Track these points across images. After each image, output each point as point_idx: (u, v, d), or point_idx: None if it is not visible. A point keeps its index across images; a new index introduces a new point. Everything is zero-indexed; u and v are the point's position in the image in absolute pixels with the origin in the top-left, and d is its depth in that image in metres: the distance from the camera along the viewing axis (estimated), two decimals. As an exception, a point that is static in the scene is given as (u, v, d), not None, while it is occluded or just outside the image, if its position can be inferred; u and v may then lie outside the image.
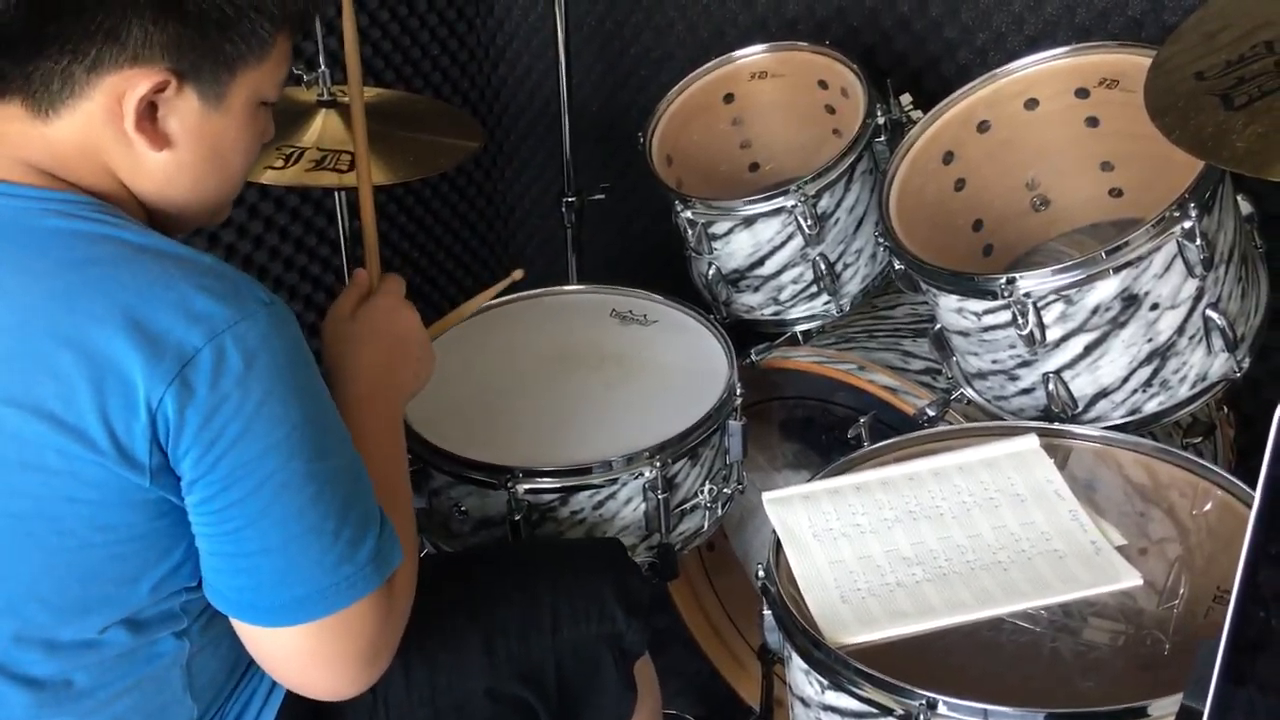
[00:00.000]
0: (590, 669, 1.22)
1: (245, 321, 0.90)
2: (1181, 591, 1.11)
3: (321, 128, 1.68)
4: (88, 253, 0.91)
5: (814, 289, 1.67)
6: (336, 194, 1.83)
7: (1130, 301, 1.27)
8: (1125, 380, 1.33)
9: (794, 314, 1.71)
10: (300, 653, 0.97)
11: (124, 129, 0.94)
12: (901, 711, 1.01)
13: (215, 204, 1.05)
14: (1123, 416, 1.36)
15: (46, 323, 0.89)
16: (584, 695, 1.22)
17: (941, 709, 0.99)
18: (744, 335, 1.71)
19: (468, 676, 1.17)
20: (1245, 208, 1.36)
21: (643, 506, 1.42)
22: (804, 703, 1.12)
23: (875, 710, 1.03)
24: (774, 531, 1.22)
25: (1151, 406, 1.35)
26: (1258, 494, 0.65)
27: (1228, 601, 0.68)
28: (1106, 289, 1.27)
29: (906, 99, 1.66)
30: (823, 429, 1.71)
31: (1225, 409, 1.69)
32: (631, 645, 1.25)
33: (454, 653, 1.17)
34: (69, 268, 0.90)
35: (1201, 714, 0.71)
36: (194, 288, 0.90)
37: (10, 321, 0.90)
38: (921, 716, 0.99)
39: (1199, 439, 1.59)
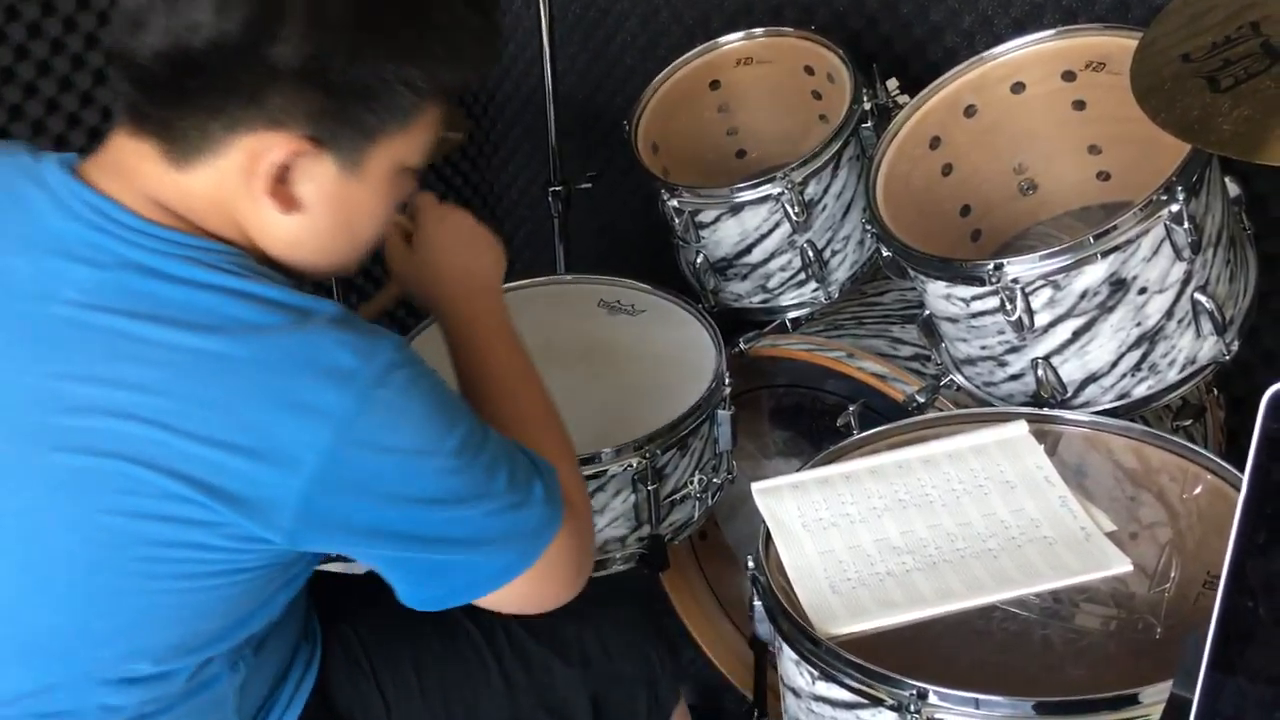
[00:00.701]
0: (627, 708, 1.22)
1: (388, 372, 0.89)
2: (1173, 575, 1.11)
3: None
4: (236, 311, 0.88)
5: (802, 276, 1.67)
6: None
7: (1118, 286, 1.27)
8: (1114, 365, 1.32)
9: (782, 301, 1.71)
10: (518, 595, 1.01)
11: (256, 189, 0.92)
12: (892, 702, 1.00)
13: (341, 266, 1.02)
14: (1112, 401, 1.35)
15: (196, 384, 0.86)
16: None
17: (932, 699, 0.98)
18: (733, 323, 1.70)
19: (487, 707, 1.17)
20: (1233, 189, 1.35)
21: (632, 498, 1.42)
22: (795, 693, 1.12)
23: (866, 701, 1.02)
24: (763, 522, 1.21)
25: (1141, 391, 1.35)
26: (1244, 486, 0.64)
27: (1217, 587, 0.68)
28: (1094, 273, 1.26)
29: (893, 84, 1.65)
30: (813, 416, 1.71)
31: (1215, 391, 1.69)
32: (665, 694, 1.25)
33: (471, 682, 1.17)
34: (219, 328, 0.87)
35: (1190, 703, 0.71)
36: (333, 343, 0.88)
37: (151, 379, 0.87)
38: (912, 706, 0.98)
39: (1189, 421, 1.59)
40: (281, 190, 0.92)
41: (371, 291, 2.45)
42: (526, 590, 1.00)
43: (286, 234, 0.95)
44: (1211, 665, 0.68)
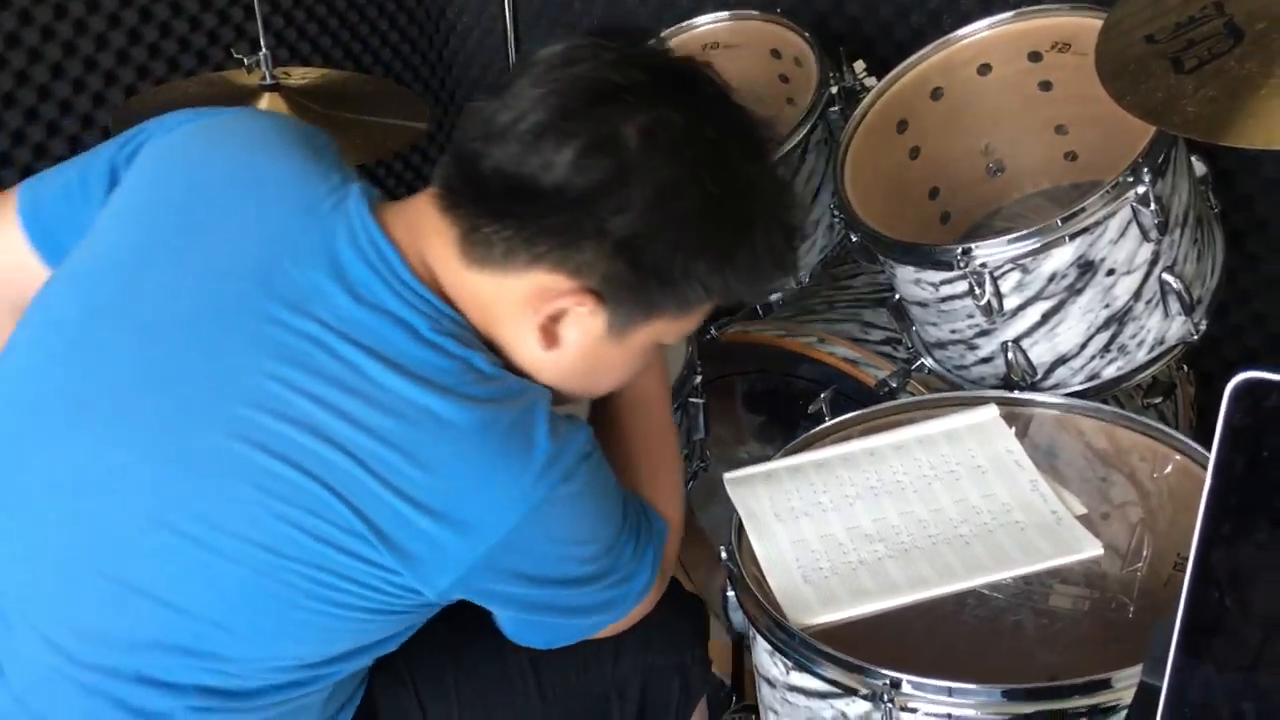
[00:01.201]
0: (660, 697, 1.23)
1: (577, 463, 0.93)
2: (1145, 554, 1.12)
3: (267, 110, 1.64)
4: (461, 383, 0.91)
5: (772, 261, 1.66)
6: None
7: (1086, 268, 1.27)
8: (1083, 346, 1.33)
9: (753, 287, 1.70)
10: (609, 631, 1.08)
11: (529, 317, 0.95)
12: (866, 691, 1.00)
13: (562, 398, 1.03)
14: (1082, 382, 1.36)
15: (413, 446, 0.89)
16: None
17: (905, 687, 0.98)
18: (703, 310, 1.69)
19: (519, 709, 1.18)
20: (1199, 169, 1.35)
21: (605, 489, 1.41)
22: (770, 683, 1.12)
23: (840, 691, 1.02)
24: (735, 512, 1.21)
25: (1110, 371, 1.35)
26: (1208, 476, 0.64)
27: (1185, 570, 0.68)
28: (1062, 256, 1.26)
29: (860, 66, 1.65)
30: (786, 402, 1.70)
31: (1185, 368, 1.70)
32: (695, 681, 1.26)
33: (509, 691, 1.18)
34: (446, 394, 0.90)
35: (1160, 691, 0.71)
36: (544, 432, 0.91)
37: (375, 422, 0.89)
38: (885, 695, 0.98)
39: (1159, 399, 1.60)
40: (550, 327, 0.95)
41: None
42: (614, 628, 1.08)
43: (533, 361, 0.97)
44: (1180, 655, 0.69)
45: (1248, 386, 0.63)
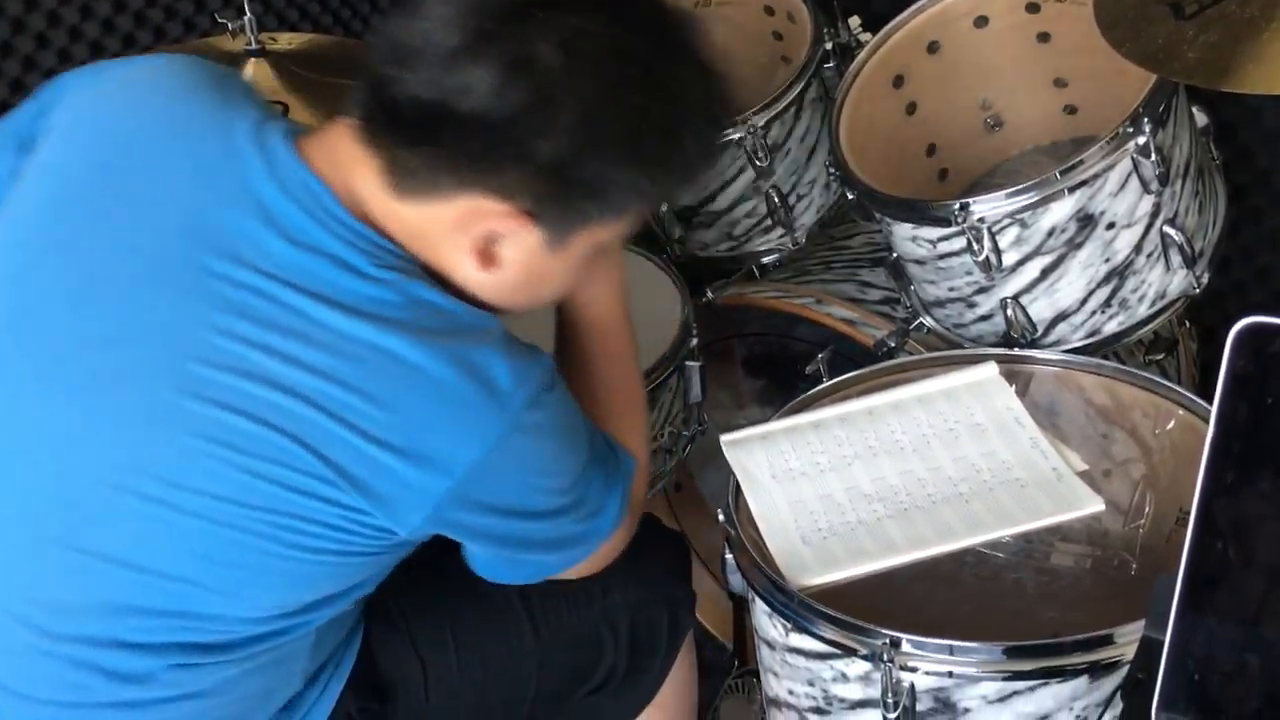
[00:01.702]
0: (649, 632, 1.24)
1: (542, 395, 0.93)
2: (1147, 511, 1.11)
3: (252, 78, 1.62)
4: (407, 315, 0.90)
5: (768, 222, 1.65)
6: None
7: (1086, 221, 1.25)
8: (1084, 302, 1.31)
9: (749, 248, 1.69)
10: (576, 571, 1.09)
11: (462, 241, 0.94)
12: (866, 651, 1.00)
13: (509, 314, 1.02)
14: (1083, 339, 1.35)
15: (365, 381, 0.89)
16: (644, 660, 1.25)
17: (905, 646, 0.98)
18: (700, 272, 1.68)
19: (519, 658, 1.19)
20: (1201, 119, 1.34)
21: (601, 454, 1.40)
22: (770, 645, 1.11)
23: (839, 651, 1.02)
24: (732, 474, 1.20)
25: (1111, 327, 1.34)
26: (1210, 426, 0.63)
27: (1187, 525, 0.67)
28: (1061, 210, 1.24)
29: (855, 21, 1.63)
30: (784, 364, 1.69)
31: (1187, 323, 1.69)
32: (684, 616, 1.28)
33: (504, 635, 1.19)
34: (390, 328, 0.89)
35: (1162, 645, 0.70)
36: (498, 362, 0.91)
37: (323, 363, 0.89)
38: (885, 655, 0.98)
39: (1161, 355, 1.59)
40: (484, 250, 0.94)
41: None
42: (580, 568, 1.08)
43: (473, 284, 0.97)
44: (1182, 607, 0.68)
45: (1250, 332, 0.61)
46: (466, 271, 0.95)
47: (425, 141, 0.90)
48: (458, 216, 0.92)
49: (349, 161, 0.93)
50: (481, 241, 0.94)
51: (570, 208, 0.94)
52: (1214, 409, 0.63)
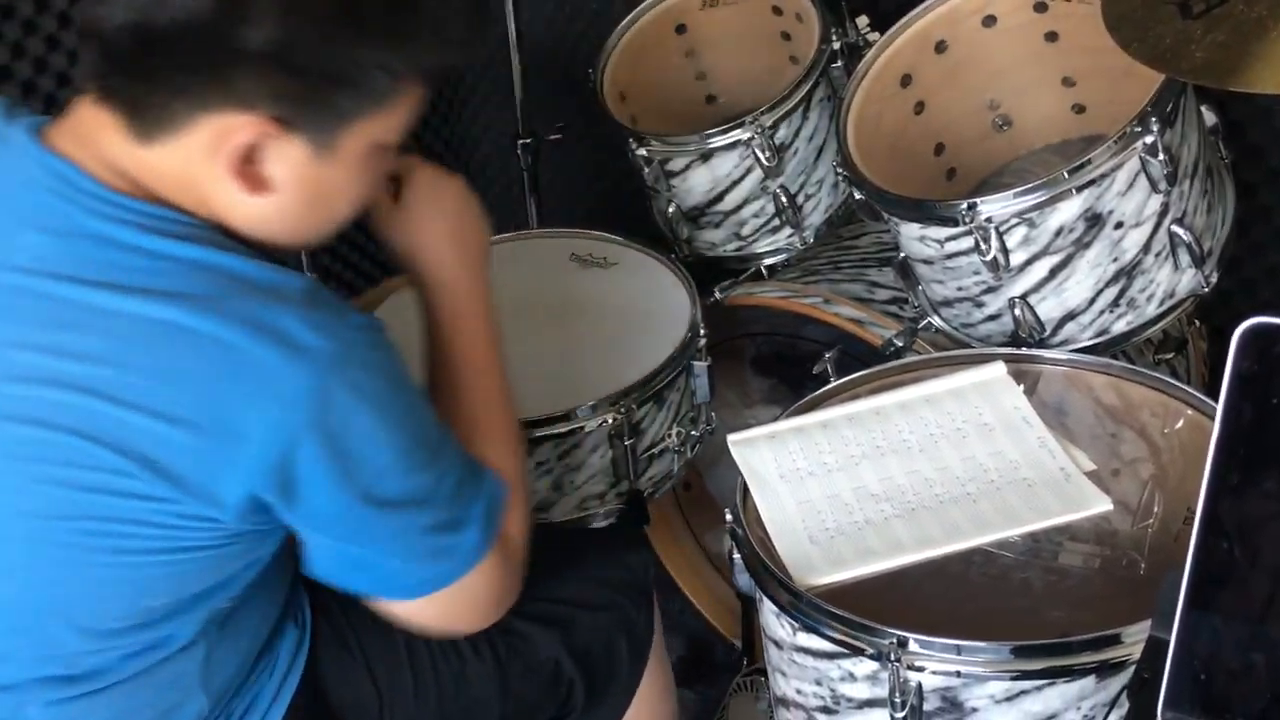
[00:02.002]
0: (607, 655, 1.21)
1: (349, 352, 0.87)
2: (1156, 510, 1.10)
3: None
4: (198, 282, 0.86)
5: (776, 222, 1.65)
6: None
7: (1094, 221, 1.25)
8: (1092, 301, 1.31)
9: (758, 248, 1.69)
10: (432, 614, 1.02)
11: (221, 170, 0.89)
12: (873, 651, 1.00)
13: (310, 242, 1.00)
14: (1091, 338, 1.34)
15: (145, 353, 0.85)
16: (604, 679, 1.22)
17: (913, 646, 0.98)
18: (709, 272, 1.68)
19: (475, 681, 1.15)
20: (1209, 118, 1.33)
21: (609, 454, 1.40)
22: (777, 645, 1.11)
23: (847, 651, 1.02)
24: (740, 474, 1.20)
25: (1120, 326, 1.33)
26: (1215, 425, 0.63)
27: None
28: (1069, 209, 1.24)
29: (863, 21, 1.63)
30: (793, 364, 1.69)
31: (1197, 323, 1.68)
32: (642, 635, 1.25)
33: (460, 659, 1.15)
34: (179, 298, 0.85)
35: (1168, 644, 0.70)
36: (297, 322, 0.86)
37: (96, 348, 0.85)
38: (893, 655, 0.98)
39: (1171, 355, 1.58)
40: (249, 171, 0.90)
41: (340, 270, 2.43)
42: (440, 610, 1.01)
43: (255, 214, 0.92)
44: (1188, 606, 0.68)
45: (1255, 333, 0.61)
46: (243, 203, 0.91)
47: (143, 70, 0.87)
48: (206, 142, 0.88)
49: (95, 130, 0.90)
50: (237, 161, 0.88)
51: (318, 103, 0.88)
52: (1219, 409, 0.63)
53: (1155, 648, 0.72)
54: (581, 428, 1.37)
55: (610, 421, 1.37)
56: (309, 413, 0.86)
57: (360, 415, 0.88)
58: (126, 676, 0.96)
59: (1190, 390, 1.20)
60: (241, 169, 0.89)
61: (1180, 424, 1.20)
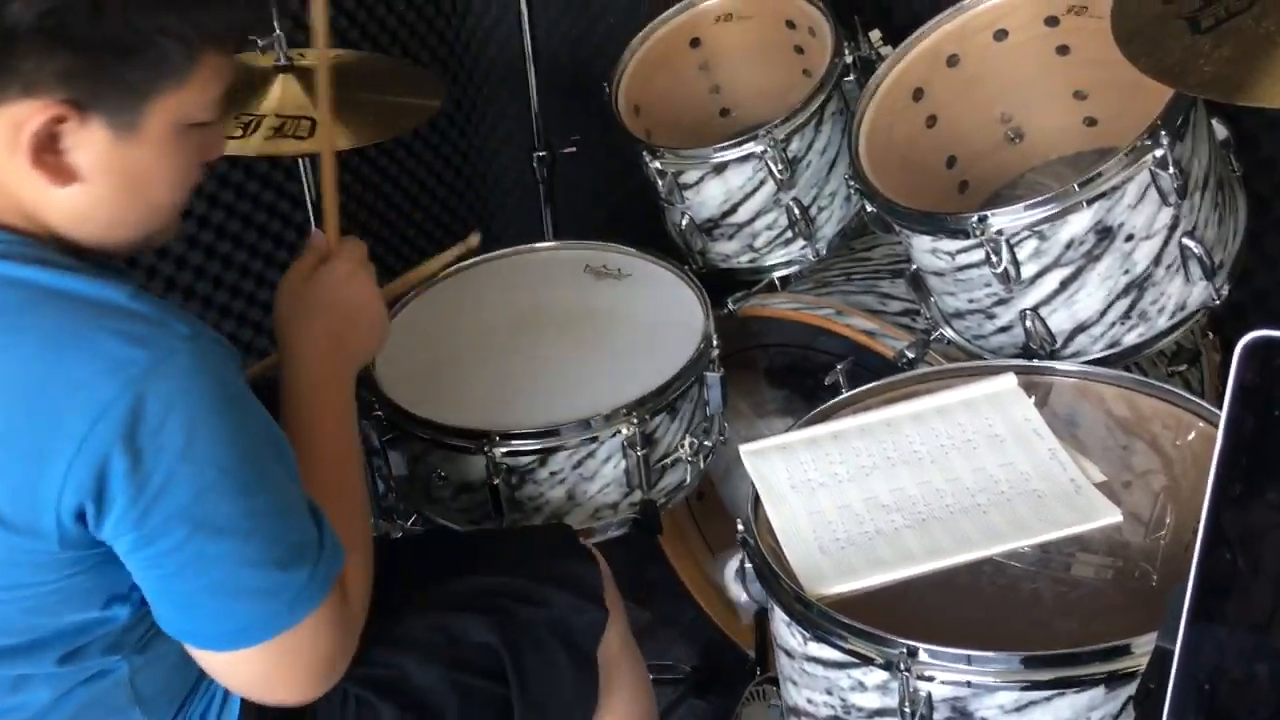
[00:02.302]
0: (535, 647, 1.19)
1: (164, 363, 0.85)
2: (1168, 522, 1.11)
3: (280, 94, 1.65)
4: None
5: (789, 234, 1.66)
6: (301, 161, 1.80)
7: (1104, 234, 1.26)
8: (1103, 313, 1.32)
9: (770, 260, 1.70)
10: (254, 671, 0.97)
11: (22, 163, 0.87)
12: (883, 660, 1.00)
13: (142, 235, 0.97)
14: (1102, 350, 1.35)
15: None
16: (538, 676, 1.19)
17: (923, 656, 0.99)
18: (722, 284, 1.69)
19: (423, 669, 1.14)
20: (1221, 132, 1.33)
21: (623, 464, 1.41)
22: (788, 654, 1.12)
23: (857, 660, 1.02)
24: (752, 484, 1.21)
25: (1131, 338, 1.34)
26: (1218, 438, 0.64)
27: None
28: (1080, 222, 1.25)
29: (876, 35, 1.63)
30: (806, 375, 1.70)
31: (1210, 334, 1.68)
32: (582, 630, 1.22)
33: (405, 647, 1.14)
34: None
35: (1173, 655, 0.70)
36: (107, 332, 0.85)
37: None
38: (902, 664, 0.99)
39: (1184, 366, 1.58)
40: (51, 161, 0.87)
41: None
42: (262, 665, 0.96)
43: (70, 208, 0.90)
44: (1192, 617, 0.68)
45: (1257, 345, 0.62)
46: (53, 196, 0.88)
47: None
48: (5, 137, 0.85)
49: None
50: (35, 151, 0.86)
51: (108, 79, 0.86)
52: (1222, 421, 0.64)
53: (1161, 658, 0.73)
54: (595, 438, 1.38)
55: (624, 432, 1.39)
56: (119, 426, 0.83)
57: (175, 429, 0.85)
58: (47, 712, 0.96)
59: (1202, 402, 1.20)
60: (41, 159, 0.87)
61: (1192, 436, 1.20)
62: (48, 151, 0.87)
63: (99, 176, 0.89)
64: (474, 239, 1.43)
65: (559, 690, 1.20)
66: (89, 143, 0.88)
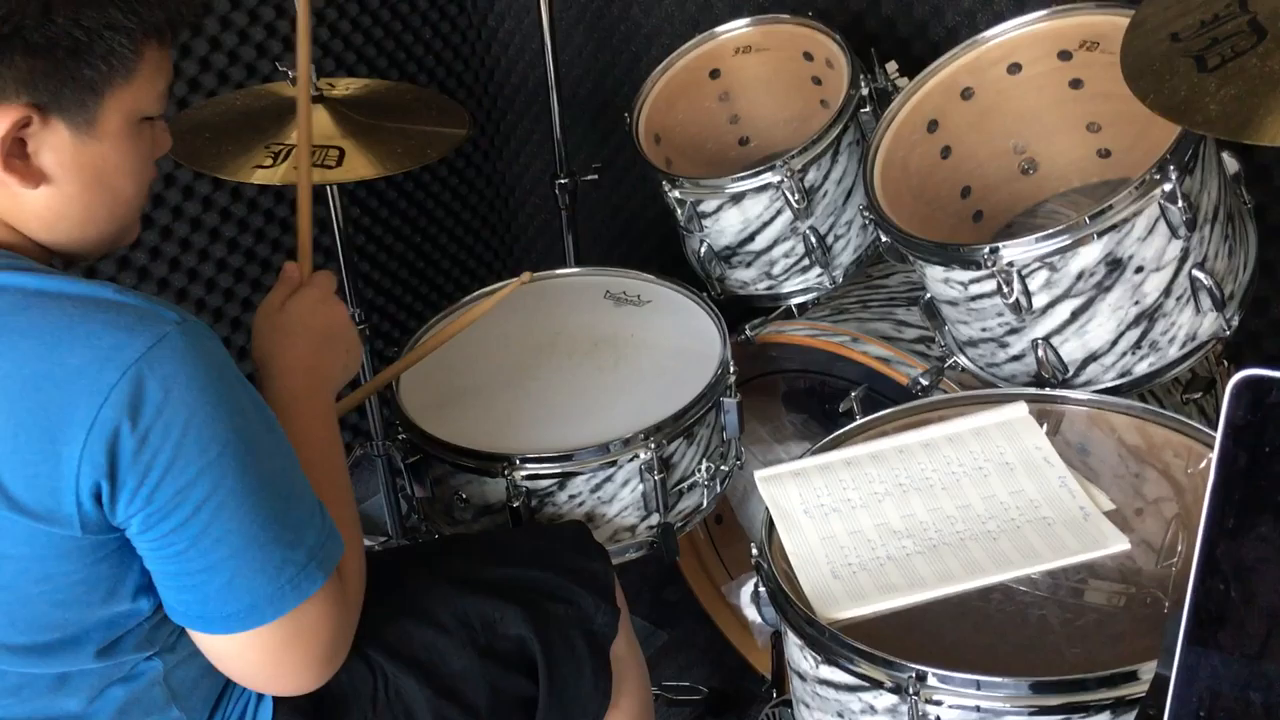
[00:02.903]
0: (566, 645, 1.23)
1: (158, 346, 0.89)
2: (1179, 549, 1.12)
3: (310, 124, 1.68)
4: None
5: (806, 262, 1.68)
6: (329, 189, 1.85)
7: (1115, 265, 1.27)
8: (1114, 343, 1.33)
9: (788, 288, 1.72)
10: (259, 655, 0.99)
11: None
12: (892, 684, 1.02)
13: (114, 231, 1.02)
14: (1114, 379, 1.36)
15: None
16: (565, 672, 1.23)
17: (931, 680, 1.00)
18: (740, 311, 1.72)
19: (455, 657, 1.18)
20: (1231, 166, 1.35)
21: (640, 487, 1.44)
22: (801, 676, 1.14)
23: (867, 683, 1.04)
24: (766, 509, 1.23)
25: (1142, 368, 1.35)
26: (1211, 472, 0.66)
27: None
28: (1090, 254, 1.27)
29: (892, 67, 1.65)
30: (823, 400, 1.72)
31: (1225, 363, 1.69)
32: (602, 629, 1.26)
33: (437, 635, 1.18)
34: None
35: (1169, 680, 0.72)
36: (100, 324, 0.89)
37: None
38: (911, 688, 1.00)
39: (1199, 394, 1.59)
40: (21, 165, 0.92)
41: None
42: (267, 648, 0.98)
43: (44, 208, 0.95)
44: (1187, 645, 0.70)
45: (1248, 384, 0.64)
46: (27, 200, 0.93)
47: None
48: None
49: None
50: (6, 155, 0.90)
51: (65, 80, 0.90)
52: (1214, 456, 0.66)
53: (1160, 685, 0.74)
54: (614, 462, 1.41)
55: (642, 456, 1.41)
56: (124, 408, 0.87)
57: (176, 408, 0.89)
58: (88, 715, 0.99)
59: (1211, 432, 1.21)
60: (11, 163, 0.91)
61: (1204, 464, 1.21)
62: (15, 156, 0.92)
63: (65, 175, 0.95)
64: (526, 276, 1.47)
65: (581, 687, 1.24)
66: (53, 144, 0.93)
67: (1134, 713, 0.97)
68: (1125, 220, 1.25)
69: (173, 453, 0.89)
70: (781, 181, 1.58)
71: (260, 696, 1.10)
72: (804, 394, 1.77)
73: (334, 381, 1.22)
